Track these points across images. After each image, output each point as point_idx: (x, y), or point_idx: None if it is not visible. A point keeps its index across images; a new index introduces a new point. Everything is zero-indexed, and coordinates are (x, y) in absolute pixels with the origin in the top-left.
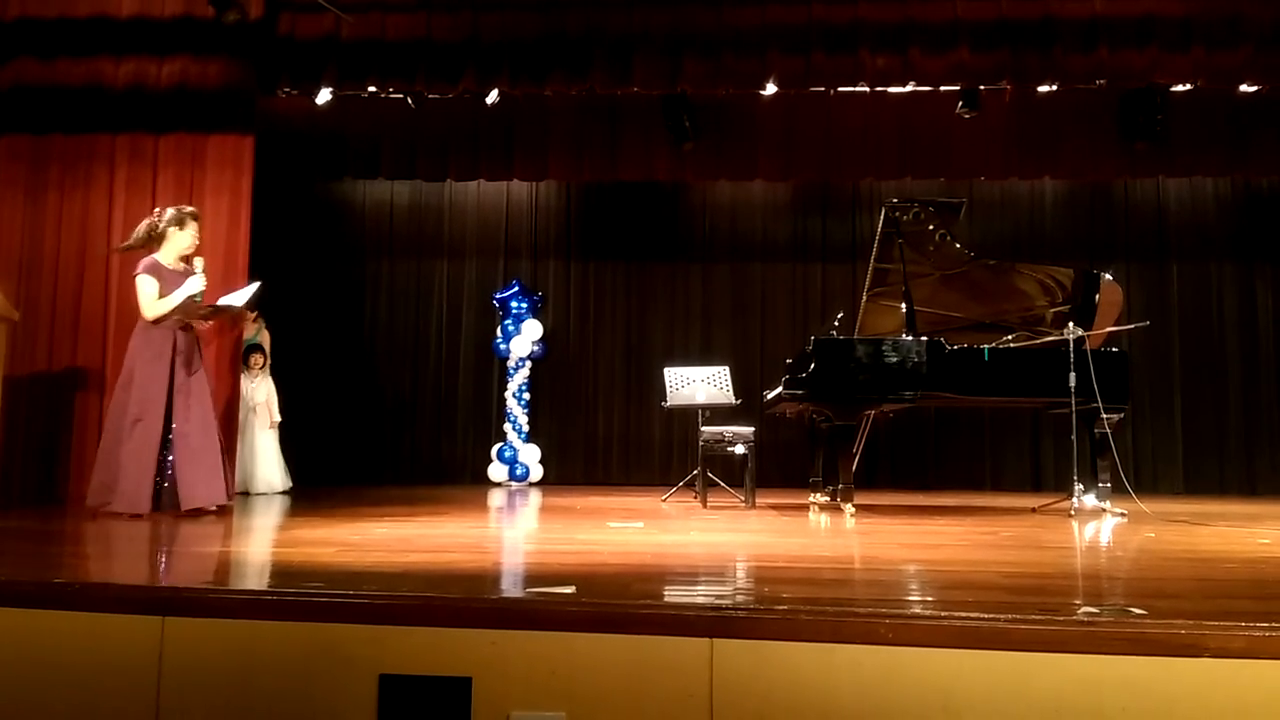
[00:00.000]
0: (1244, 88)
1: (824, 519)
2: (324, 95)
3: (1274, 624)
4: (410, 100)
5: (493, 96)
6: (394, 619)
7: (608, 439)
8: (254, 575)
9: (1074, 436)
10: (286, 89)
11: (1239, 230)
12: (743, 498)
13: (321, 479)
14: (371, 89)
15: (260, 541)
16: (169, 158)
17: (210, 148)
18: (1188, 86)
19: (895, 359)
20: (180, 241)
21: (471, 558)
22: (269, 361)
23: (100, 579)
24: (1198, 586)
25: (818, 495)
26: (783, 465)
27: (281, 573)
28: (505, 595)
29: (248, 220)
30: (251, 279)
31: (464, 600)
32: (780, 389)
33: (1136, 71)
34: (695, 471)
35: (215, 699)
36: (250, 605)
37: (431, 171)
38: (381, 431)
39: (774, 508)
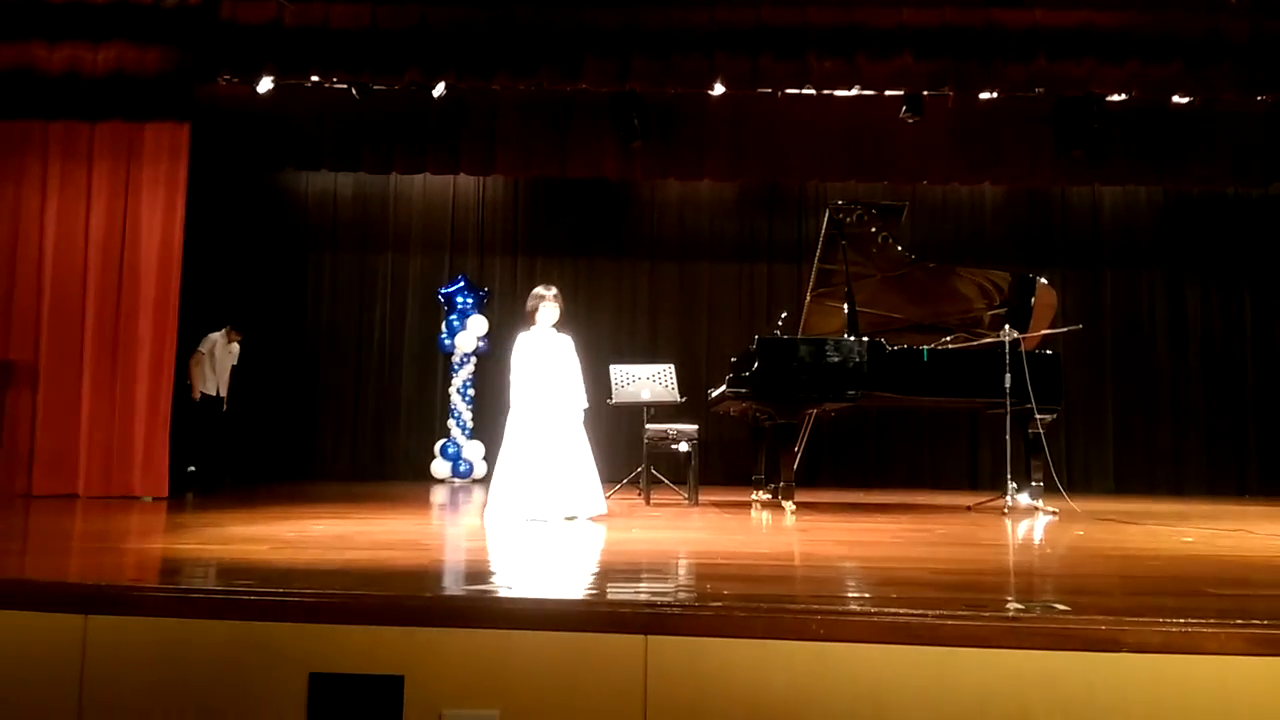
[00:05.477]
0: (1175, 99)
1: (765, 516)
2: (265, 84)
3: (1190, 619)
4: (354, 91)
5: (439, 89)
6: (325, 617)
7: None
8: (183, 573)
9: (1008, 436)
10: (227, 77)
11: (1169, 238)
12: (686, 495)
13: (261, 474)
14: (314, 78)
15: (193, 538)
16: (104, 146)
17: (147, 136)
18: (1123, 96)
19: (837, 359)
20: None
21: (410, 555)
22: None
23: (20, 575)
24: (1121, 583)
25: (760, 493)
26: (726, 463)
27: (212, 570)
28: (438, 593)
29: (183, 209)
30: (188, 269)
31: (396, 598)
32: (724, 387)
33: (1074, 80)
34: (639, 469)
35: (140, 699)
36: (177, 603)
37: (376, 164)
38: (323, 427)
39: (717, 505)
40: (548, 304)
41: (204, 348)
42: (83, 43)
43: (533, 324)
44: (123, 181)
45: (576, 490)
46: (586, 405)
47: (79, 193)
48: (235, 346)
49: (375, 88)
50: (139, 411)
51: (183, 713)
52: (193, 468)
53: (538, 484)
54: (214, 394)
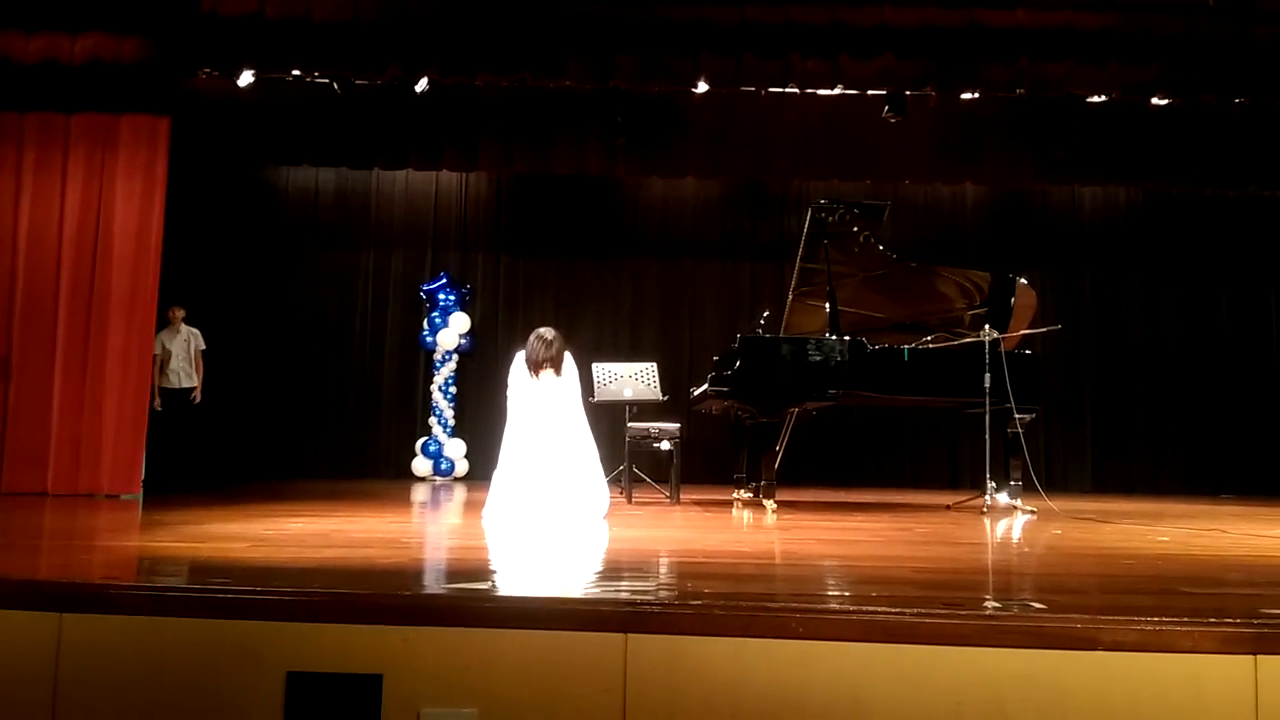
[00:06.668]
0: (1155, 100)
1: (746, 515)
2: (246, 77)
3: (1165, 618)
4: (336, 85)
5: (422, 85)
6: (303, 615)
7: None
8: (160, 571)
9: (988, 436)
10: (207, 69)
11: (1148, 239)
12: (668, 493)
13: (239, 472)
14: (296, 72)
15: (170, 536)
16: (80, 138)
17: (124, 128)
18: (1103, 98)
19: (819, 358)
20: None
21: (389, 553)
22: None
23: None
24: (1098, 582)
25: (741, 491)
26: (708, 461)
27: (189, 568)
28: (417, 591)
29: (162, 203)
30: (167, 263)
31: (375, 596)
32: (706, 386)
33: (1055, 81)
34: (621, 467)
35: (115, 698)
36: (153, 602)
37: (358, 159)
38: (303, 424)
39: (698, 504)
40: (544, 370)
41: (156, 350)
42: (60, 33)
43: None
44: (98, 173)
45: (573, 492)
46: (586, 437)
47: (55, 185)
48: (190, 329)
49: (357, 83)
50: (113, 407)
51: (159, 713)
52: (169, 465)
53: (531, 489)
54: (177, 386)
